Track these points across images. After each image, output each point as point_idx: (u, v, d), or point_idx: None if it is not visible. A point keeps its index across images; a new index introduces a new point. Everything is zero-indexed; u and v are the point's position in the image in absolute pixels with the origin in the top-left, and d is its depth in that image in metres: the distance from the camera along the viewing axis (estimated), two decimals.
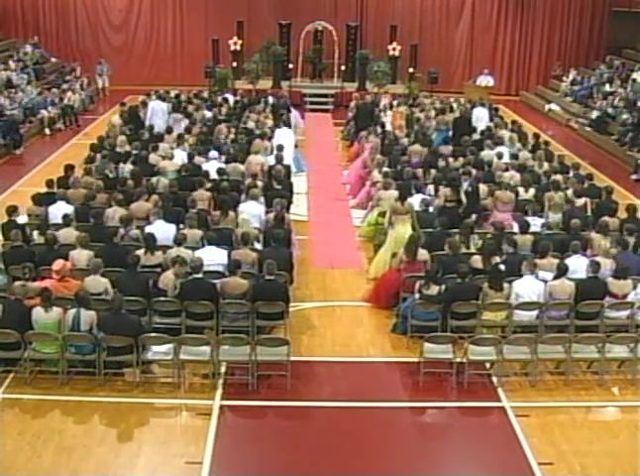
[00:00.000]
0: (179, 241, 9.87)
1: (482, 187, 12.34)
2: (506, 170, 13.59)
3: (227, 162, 13.71)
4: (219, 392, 8.49)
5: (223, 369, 8.77)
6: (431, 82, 24.44)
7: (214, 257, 9.69)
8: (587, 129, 21.21)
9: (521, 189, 12.47)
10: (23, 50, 24.43)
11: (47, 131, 20.35)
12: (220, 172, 12.96)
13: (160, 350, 8.65)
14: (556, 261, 9.69)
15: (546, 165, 14.04)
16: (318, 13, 25.51)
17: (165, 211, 10.89)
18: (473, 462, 7.57)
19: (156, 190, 11.94)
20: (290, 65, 25.14)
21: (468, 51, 27.33)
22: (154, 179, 12.32)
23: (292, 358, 8.59)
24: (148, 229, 10.30)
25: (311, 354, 9.32)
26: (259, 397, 8.41)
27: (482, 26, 27.14)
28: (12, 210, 10.70)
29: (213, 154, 14.11)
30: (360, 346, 9.59)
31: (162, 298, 9.11)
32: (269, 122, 17.21)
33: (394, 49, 25.15)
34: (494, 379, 8.84)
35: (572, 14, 27.12)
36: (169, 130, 15.73)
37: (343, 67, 25.33)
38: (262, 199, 11.74)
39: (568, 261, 9.70)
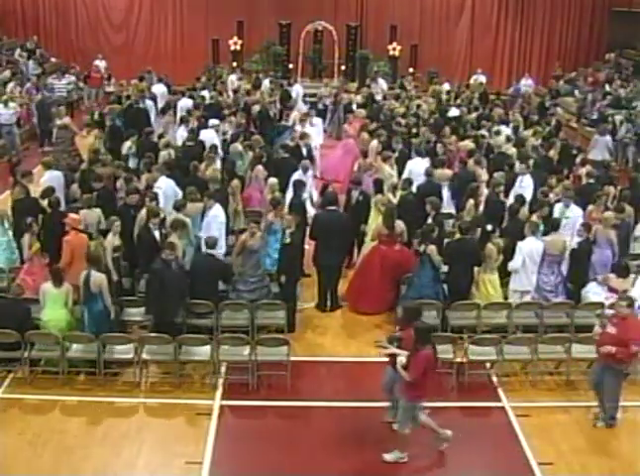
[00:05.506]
0: (178, 207, 10.14)
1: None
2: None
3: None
4: (219, 392, 8.50)
5: (223, 369, 8.78)
6: (431, 82, 24.41)
7: (214, 212, 10.29)
8: (588, 129, 21.18)
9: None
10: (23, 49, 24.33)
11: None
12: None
13: (160, 350, 8.66)
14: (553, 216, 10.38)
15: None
16: (318, 13, 25.41)
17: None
18: (473, 462, 7.57)
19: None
20: (290, 65, 25.10)
21: (468, 51, 27.25)
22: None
23: (292, 358, 8.61)
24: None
25: (311, 354, 9.33)
26: (259, 397, 8.42)
27: (482, 26, 27.05)
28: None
29: (213, 122, 14.61)
30: (360, 346, 9.59)
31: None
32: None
33: (394, 49, 25.13)
34: (494, 379, 8.85)
35: (572, 14, 27.04)
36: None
37: (343, 67, 25.32)
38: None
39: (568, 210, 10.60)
